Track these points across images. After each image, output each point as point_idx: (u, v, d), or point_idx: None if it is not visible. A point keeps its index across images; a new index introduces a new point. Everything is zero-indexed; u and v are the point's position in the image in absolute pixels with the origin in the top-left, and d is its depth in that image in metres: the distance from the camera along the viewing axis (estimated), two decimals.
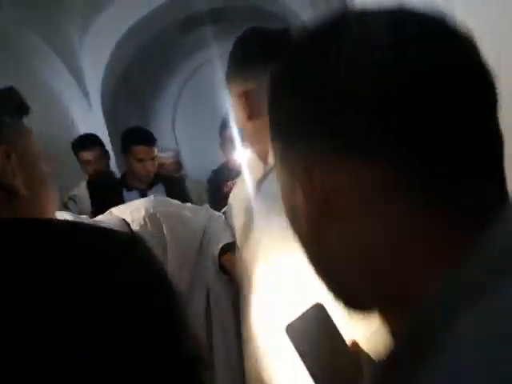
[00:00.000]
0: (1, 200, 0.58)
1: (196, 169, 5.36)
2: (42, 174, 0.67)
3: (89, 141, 2.78)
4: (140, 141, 2.32)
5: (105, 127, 3.77)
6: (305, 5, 3.57)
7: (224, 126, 2.75)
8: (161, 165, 3.05)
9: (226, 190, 2.71)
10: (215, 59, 5.23)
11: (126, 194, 2.32)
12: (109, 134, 3.78)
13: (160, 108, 5.41)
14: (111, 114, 3.92)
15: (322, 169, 0.35)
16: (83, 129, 3.70)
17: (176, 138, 5.56)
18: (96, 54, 3.55)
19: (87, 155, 2.68)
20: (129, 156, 2.36)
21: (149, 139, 2.37)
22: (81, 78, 3.57)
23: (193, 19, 4.20)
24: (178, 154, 3.22)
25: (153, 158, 2.35)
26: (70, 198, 2.74)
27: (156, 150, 2.39)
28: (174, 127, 5.54)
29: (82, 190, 2.71)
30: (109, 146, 3.70)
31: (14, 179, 0.59)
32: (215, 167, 5.14)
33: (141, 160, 2.31)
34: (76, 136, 3.63)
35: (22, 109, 0.71)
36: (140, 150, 2.31)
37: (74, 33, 3.43)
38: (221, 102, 5.52)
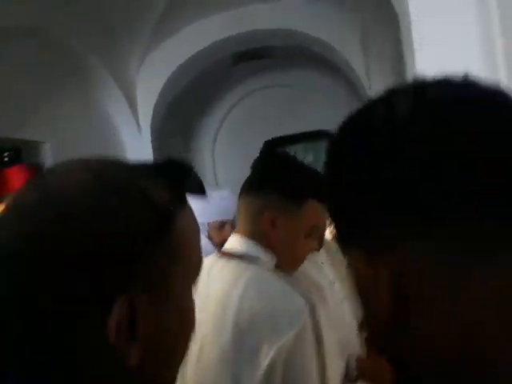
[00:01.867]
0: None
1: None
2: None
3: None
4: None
5: (151, 151, 3.98)
6: (356, 51, 3.71)
7: None
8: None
9: None
10: (256, 92, 5.50)
11: None
12: (153, 156, 3.98)
13: (202, 135, 5.63)
14: (158, 142, 4.14)
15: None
16: (131, 151, 3.93)
17: (214, 163, 5.75)
18: (151, 83, 3.79)
19: None
20: None
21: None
22: (134, 105, 3.82)
23: (242, 54, 4.45)
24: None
25: None
26: None
27: None
28: (213, 154, 5.73)
29: None
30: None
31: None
32: None
33: None
34: (124, 157, 3.89)
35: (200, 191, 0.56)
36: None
37: (133, 62, 3.70)
38: (256, 134, 5.63)
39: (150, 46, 3.62)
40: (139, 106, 3.85)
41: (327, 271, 1.70)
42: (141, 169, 0.47)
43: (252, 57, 4.61)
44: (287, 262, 1.12)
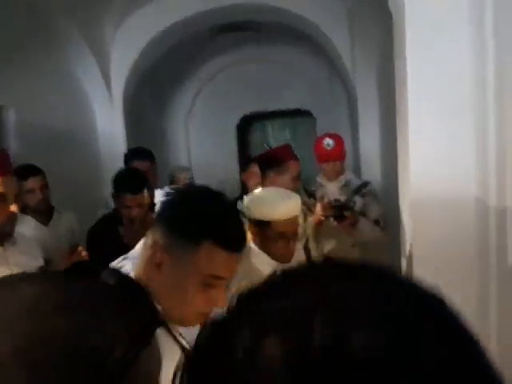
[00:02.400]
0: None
1: (204, 170, 5.42)
2: None
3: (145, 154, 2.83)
4: (127, 189, 2.19)
5: (122, 120, 3.81)
6: (342, 33, 3.61)
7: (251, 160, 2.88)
8: (175, 184, 3.14)
9: None
10: (235, 65, 5.35)
11: (121, 229, 2.25)
12: (125, 124, 3.82)
13: (177, 106, 5.46)
14: (130, 107, 3.97)
15: None
16: (101, 119, 3.76)
17: (188, 135, 5.61)
18: (125, 51, 3.60)
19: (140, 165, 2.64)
20: (115, 198, 2.29)
21: (135, 188, 2.20)
22: (107, 72, 3.61)
23: (220, 28, 4.28)
24: (191, 173, 3.27)
25: (140, 205, 2.17)
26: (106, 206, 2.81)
27: (145, 195, 2.21)
28: (187, 126, 5.59)
29: None
30: (124, 140, 3.78)
31: None
32: (221, 168, 5.13)
33: (128, 207, 2.19)
34: (94, 126, 3.73)
35: None
36: (127, 197, 2.18)
37: (107, 28, 3.48)
38: (234, 107, 5.62)
39: (126, 11, 3.41)
40: (112, 73, 3.65)
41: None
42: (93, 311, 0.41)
43: (234, 29, 4.44)
44: (174, 316, 0.87)
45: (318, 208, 2.37)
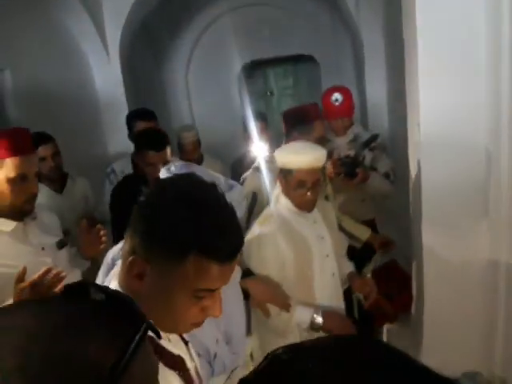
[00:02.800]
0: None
1: (207, 124, 5.33)
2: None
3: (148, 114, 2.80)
4: (151, 146, 2.18)
5: (120, 75, 3.70)
6: None
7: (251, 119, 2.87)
8: (182, 145, 3.05)
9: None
10: (234, 10, 5.12)
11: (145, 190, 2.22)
12: (123, 81, 3.72)
13: (175, 58, 5.29)
14: (128, 62, 3.85)
15: None
16: (99, 76, 3.66)
17: (188, 88, 5.48)
18: (118, 3, 3.44)
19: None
20: (139, 157, 2.25)
21: (160, 144, 2.20)
22: (101, 24, 3.47)
23: None
24: (197, 133, 3.15)
25: (164, 162, 2.10)
26: (113, 170, 2.81)
27: (168, 152, 2.22)
28: (187, 78, 5.44)
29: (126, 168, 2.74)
30: (123, 95, 3.69)
31: None
32: (224, 121, 5.04)
33: (150, 165, 2.16)
34: (92, 83, 3.64)
35: None
36: (151, 155, 2.17)
37: None
38: (233, 56, 5.45)
39: None
40: (106, 27, 3.50)
41: (318, 228, 1.79)
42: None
43: None
44: (166, 326, 0.82)
45: (328, 165, 2.34)
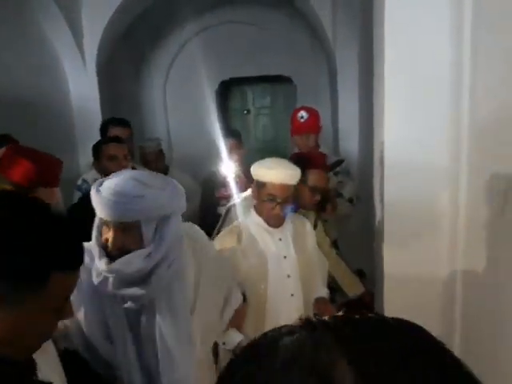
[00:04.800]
0: None
1: (183, 138, 5.34)
2: None
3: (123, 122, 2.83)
4: (110, 139, 2.34)
5: (96, 85, 3.69)
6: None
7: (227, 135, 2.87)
8: (144, 154, 3.07)
9: (217, 195, 2.78)
10: (214, 27, 5.19)
11: None
12: (99, 91, 3.71)
13: (153, 72, 5.31)
14: (105, 72, 3.84)
15: None
16: (75, 84, 3.64)
17: (166, 103, 5.49)
18: (97, 12, 3.45)
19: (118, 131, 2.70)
20: (101, 157, 2.32)
21: (118, 138, 2.37)
22: (79, 32, 3.47)
23: None
24: (160, 144, 3.20)
25: (125, 157, 2.28)
26: (84, 181, 2.79)
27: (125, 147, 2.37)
28: (164, 92, 5.46)
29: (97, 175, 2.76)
30: (98, 105, 3.68)
31: None
32: (200, 137, 5.04)
33: (112, 158, 2.26)
34: (67, 91, 3.61)
35: None
36: (110, 147, 2.29)
37: None
38: (213, 69, 5.45)
39: None
40: (84, 34, 3.51)
41: (282, 246, 1.80)
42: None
43: None
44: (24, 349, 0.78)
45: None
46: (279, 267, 1.84)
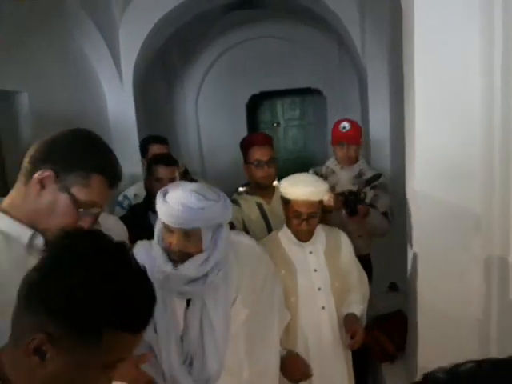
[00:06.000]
0: None
1: (215, 151, 5.44)
2: None
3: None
4: (159, 161, 2.38)
5: (132, 102, 3.83)
6: (352, 13, 3.57)
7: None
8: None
9: None
10: (244, 42, 5.30)
11: (152, 216, 2.06)
12: (135, 107, 3.85)
13: (186, 87, 5.46)
14: (141, 89, 3.99)
15: None
16: (112, 101, 3.78)
17: (198, 116, 5.62)
18: (134, 31, 3.59)
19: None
20: (150, 176, 2.38)
21: (168, 160, 2.42)
22: (116, 51, 3.62)
23: (230, 5, 4.25)
24: (184, 165, 3.24)
25: (172, 179, 2.31)
26: (125, 197, 2.86)
27: (176, 172, 2.43)
28: (197, 106, 5.59)
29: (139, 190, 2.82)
30: (134, 121, 3.81)
31: None
32: (231, 149, 5.12)
33: (159, 180, 2.31)
34: (105, 108, 3.76)
35: None
36: (159, 169, 2.35)
37: (115, 6, 3.47)
38: (243, 86, 5.54)
39: None
40: (121, 54, 3.66)
41: (313, 260, 1.81)
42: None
43: (244, 6, 4.41)
44: None
45: (329, 198, 2.28)
46: (309, 280, 1.86)
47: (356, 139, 2.64)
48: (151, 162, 2.45)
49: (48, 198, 1.05)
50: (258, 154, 2.23)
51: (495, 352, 1.79)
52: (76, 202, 1.06)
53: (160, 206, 1.36)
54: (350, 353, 1.96)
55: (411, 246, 2.00)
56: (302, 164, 2.72)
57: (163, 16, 3.61)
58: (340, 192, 2.52)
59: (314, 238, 1.91)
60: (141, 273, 0.79)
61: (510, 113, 1.58)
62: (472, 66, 1.67)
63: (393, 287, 3.21)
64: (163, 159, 2.41)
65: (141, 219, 2.25)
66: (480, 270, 1.80)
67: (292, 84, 5.44)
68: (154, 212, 1.46)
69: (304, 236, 1.87)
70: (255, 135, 2.53)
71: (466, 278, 1.83)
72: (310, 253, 1.90)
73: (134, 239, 1.64)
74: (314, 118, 6.18)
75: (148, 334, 1.38)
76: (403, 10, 1.92)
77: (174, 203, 1.32)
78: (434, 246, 1.85)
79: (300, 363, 1.67)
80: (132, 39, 3.64)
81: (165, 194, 1.38)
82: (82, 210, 1.08)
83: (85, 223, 1.10)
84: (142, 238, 1.56)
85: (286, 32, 5.19)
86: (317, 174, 2.56)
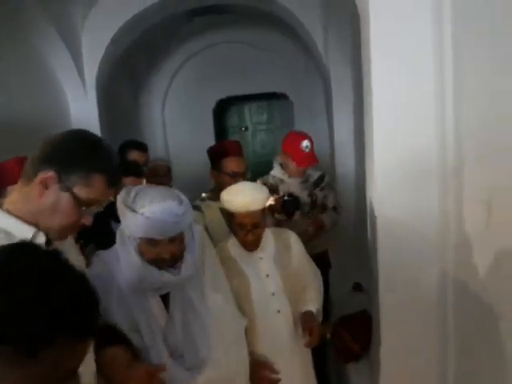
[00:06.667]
0: None
1: (181, 156, 5.41)
2: None
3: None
4: (128, 173, 2.31)
5: (96, 106, 3.77)
6: (301, 6, 3.62)
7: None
8: (156, 166, 3.13)
9: None
10: (210, 47, 5.31)
11: (114, 225, 2.09)
12: (99, 113, 3.79)
13: (152, 92, 5.42)
14: (104, 94, 3.93)
15: None
16: (75, 106, 3.71)
17: (164, 122, 5.58)
18: (97, 35, 3.54)
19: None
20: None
21: (137, 172, 2.36)
22: (79, 55, 3.56)
23: (195, 10, 4.24)
24: (170, 162, 3.28)
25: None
26: None
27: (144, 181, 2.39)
28: (163, 112, 5.55)
29: None
30: (98, 125, 3.75)
31: None
32: (198, 154, 5.11)
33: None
34: (68, 113, 3.69)
35: None
36: (128, 180, 2.26)
37: (77, 12, 3.42)
38: (210, 91, 5.55)
39: None
40: (84, 60, 3.60)
41: (264, 266, 1.82)
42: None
43: (209, 11, 4.41)
44: None
45: (270, 201, 2.41)
46: (262, 286, 1.86)
47: (316, 158, 2.68)
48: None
49: (51, 197, 1.08)
50: (234, 165, 2.23)
51: (453, 351, 1.85)
52: (78, 201, 1.10)
53: (133, 219, 1.33)
54: (310, 353, 1.99)
55: (373, 246, 2.04)
56: (271, 167, 2.77)
57: (126, 21, 3.58)
58: (280, 196, 2.61)
59: (262, 243, 1.90)
60: (78, 277, 0.77)
61: (462, 116, 1.64)
62: (425, 73, 1.73)
63: (357, 287, 3.27)
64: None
65: (103, 226, 2.21)
66: (437, 271, 1.86)
67: (258, 89, 5.48)
68: (117, 220, 1.44)
69: (251, 246, 1.87)
70: (228, 143, 2.47)
71: (426, 277, 1.89)
72: (261, 258, 1.90)
73: (96, 247, 1.62)
74: (281, 123, 6.24)
75: (133, 338, 1.39)
76: (360, 16, 1.97)
77: (166, 215, 1.32)
78: (394, 246, 1.90)
79: (266, 367, 1.71)
80: (95, 45, 3.58)
81: (138, 207, 1.34)
82: (83, 208, 1.12)
83: (86, 220, 1.15)
84: (104, 245, 1.55)
85: (251, 38, 5.23)
86: (265, 185, 2.42)
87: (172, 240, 1.38)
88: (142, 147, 2.98)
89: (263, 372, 1.70)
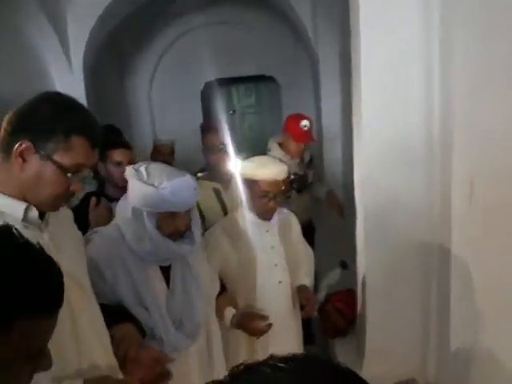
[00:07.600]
0: None
1: (167, 136, 5.37)
2: None
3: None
4: (117, 145, 2.26)
5: (83, 89, 3.74)
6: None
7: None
8: (160, 146, 3.36)
9: None
10: (197, 29, 5.25)
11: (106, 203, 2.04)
12: (86, 94, 3.76)
13: (139, 73, 5.36)
14: (91, 75, 3.89)
15: None
16: (61, 88, 3.67)
17: (151, 104, 5.54)
18: (83, 17, 3.49)
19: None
20: (106, 161, 2.22)
21: (126, 144, 2.33)
22: (64, 36, 3.51)
23: None
24: (174, 144, 3.37)
25: (131, 162, 2.12)
26: None
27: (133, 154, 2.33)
28: (150, 93, 5.51)
29: None
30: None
31: None
32: (185, 136, 5.11)
33: (119, 164, 2.18)
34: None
35: None
36: (118, 152, 2.21)
37: None
38: (197, 71, 5.49)
39: None
40: (70, 40, 3.55)
41: (269, 238, 1.99)
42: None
43: None
44: None
45: None
46: (266, 257, 1.98)
47: (313, 136, 2.93)
48: (105, 147, 2.27)
49: (32, 169, 1.02)
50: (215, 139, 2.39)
51: (435, 324, 1.92)
52: (62, 169, 1.03)
53: (162, 197, 1.39)
54: (301, 325, 2.14)
55: (361, 227, 2.10)
56: (260, 150, 2.81)
57: (111, 2, 3.53)
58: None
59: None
60: (35, 251, 0.73)
61: (449, 102, 1.69)
62: (413, 59, 1.77)
63: (343, 265, 3.34)
64: (120, 142, 2.35)
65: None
66: (423, 253, 1.93)
67: (247, 71, 5.45)
68: (109, 199, 1.45)
69: (269, 214, 1.97)
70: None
71: (410, 256, 1.95)
72: (267, 231, 2.01)
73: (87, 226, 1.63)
74: (269, 105, 6.23)
75: (139, 313, 1.45)
76: None
77: (186, 189, 1.42)
78: (380, 228, 1.96)
79: (256, 317, 1.85)
80: (81, 24, 3.54)
81: (154, 186, 1.40)
82: (70, 174, 1.05)
83: (76, 187, 1.08)
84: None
85: (239, 19, 5.18)
86: None
87: (187, 212, 1.48)
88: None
89: (253, 322, 1.83)
